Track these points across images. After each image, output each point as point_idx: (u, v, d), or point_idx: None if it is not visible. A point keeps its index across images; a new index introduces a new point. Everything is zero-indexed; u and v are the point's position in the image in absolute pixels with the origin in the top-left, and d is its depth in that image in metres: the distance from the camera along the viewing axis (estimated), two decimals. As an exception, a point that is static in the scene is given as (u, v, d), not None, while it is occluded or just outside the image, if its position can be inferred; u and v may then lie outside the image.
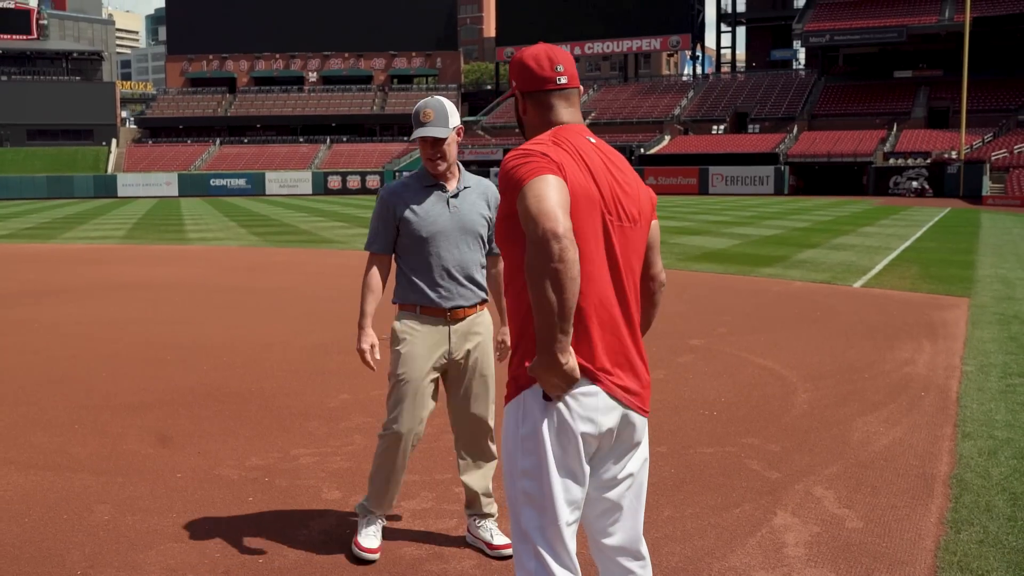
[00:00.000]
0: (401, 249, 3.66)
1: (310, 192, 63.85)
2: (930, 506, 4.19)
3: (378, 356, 3.66)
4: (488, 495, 3.81)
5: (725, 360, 7.44)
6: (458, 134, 3.60)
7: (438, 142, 3.54)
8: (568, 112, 2.36)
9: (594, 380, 2.21)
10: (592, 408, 2.21)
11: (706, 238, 20.37)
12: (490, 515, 3.82)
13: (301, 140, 76.14)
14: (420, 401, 3.63)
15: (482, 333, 3.72)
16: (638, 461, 2.37)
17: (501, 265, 3.81)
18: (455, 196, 3.63)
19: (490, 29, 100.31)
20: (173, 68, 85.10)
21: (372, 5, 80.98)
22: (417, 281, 3.61)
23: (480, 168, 58.81)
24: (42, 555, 3.71)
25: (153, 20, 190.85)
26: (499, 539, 3.73)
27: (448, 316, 3.62)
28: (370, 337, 3.64)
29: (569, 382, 2.14)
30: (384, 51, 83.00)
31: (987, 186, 47.71)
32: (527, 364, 2.18)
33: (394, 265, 3.74)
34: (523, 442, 2.22)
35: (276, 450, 5.10)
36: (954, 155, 50.71)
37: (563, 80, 2.35)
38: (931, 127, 58.74)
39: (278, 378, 6.88)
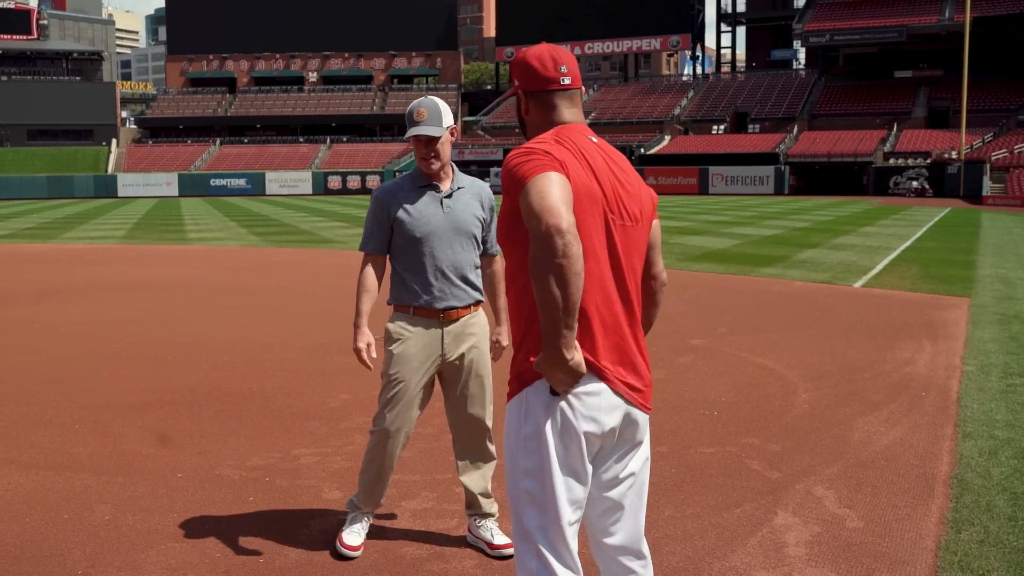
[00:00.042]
0: (395, 250, 3.66)
1: (310, 192, 63.85)
2: (931, 506, 4.19)
3: (374, 355, 3.67)
4: (487, 495, 3.81)
5: (725, 360, 7.44)
6: (452, 134, 3.61)
7: (432, 141, 3.55)
8: (571, 112, 2.37)
9: (600, 377, 2.21)
10: (595, 408, 2.21)
11: (706, 238, 20.37)
12: (491, 515, 3.82)
13: (301, 140, 76.13)
14: (410, 401, 3.64)
15: (477, 334, 3.71)
16: (640, 460, 2.37)
17: (496, 265, 3.82)
18: (448, 196, 3.63)
19: (490, 29, 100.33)
20: (173, 68, 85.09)
21: (372, 5, 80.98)
22: (410, 282, 3.62)
23: (480, 168, 58.85)
24: (43, 555, 3.71)
25: (153, 20, 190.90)
26: (500, 539, 3.73)
27: (441, 317, 3.62)
28: (366, 336, 3.65)
29: (575, 377, 2.14)
30: (384, 51, 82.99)
31: (987, 186, 47.72)
32: (532, 360, 2.18)
33: (389, 266, 3.75)
34: (526, 442, 2.22)
35: (277, 450, 5.10)
36: (954, 155, 50.72)
37: (567, 81, 2.36)
38: (931, 127, 58.76)
39: (279, 378, 6.88)
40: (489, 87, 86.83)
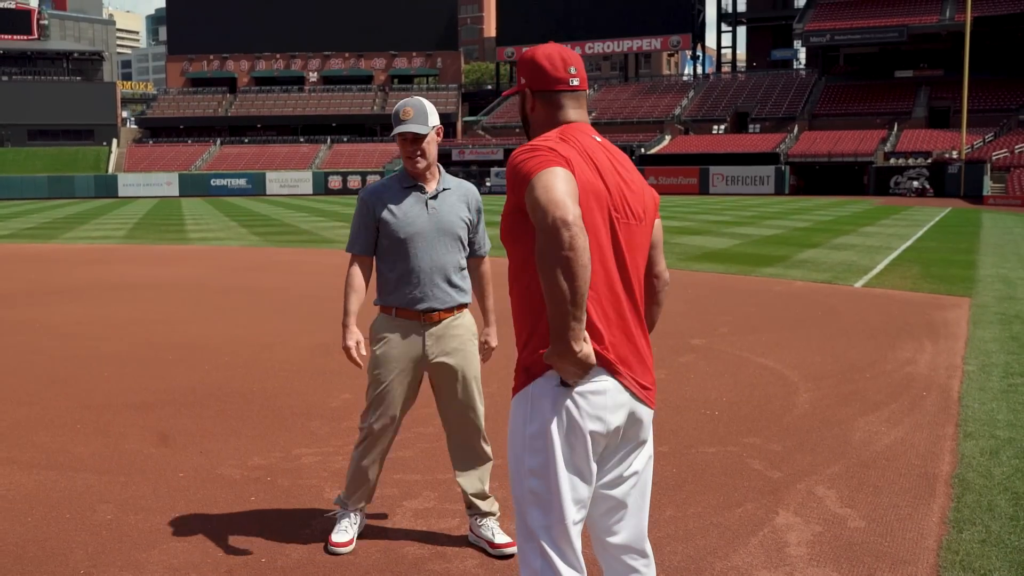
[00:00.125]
0: (380, 250, 3.66)
1: (311, 192, 63.87)
2: (932, 506, 4.19)
3: (364, 352, 3.69)
4: (484, 496, 3.80)
5: (726, 360, 7.44)
6: (438, 134, 3.63)
7: (418, 139, 3.56)
8: (576, 112, 2.38)
9: (609, 370, 2.22)
10: (601, 406, 2.21)
11: (707, 238, 20.37)
12: (491, 514, 3.82)
13: (301, 140, 76.16)
14: (392, 401, 3.67)
15: (461, 335, 3.69)
16: (643, 459, 2.38)
17: (485, 267, 3.83)
18: (434, 198, 3.64)
19: (490, 29, 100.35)
20: (173, 68, 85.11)
21: (372, 5, 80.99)
22: (393, 283, 3.63)
23: (480, 168, 58.89)
24: (45, 554, 3.71)
25: (153, 20, 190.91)
26: (501, 538, 3.73)
27: (422, 319, 3.62)
28: (355, 335, 3.66)
29: (585, 368, 2.14)
30: (384, 51, 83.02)
31: (988, 186, 47.71)
32: (541, 352, 2.18)
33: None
34: (531, 441, 2.22)
35: (278, 450, 5.10)
36: (955, 155, 50.72)
37: (576, 82, 2.38)
38: (932, 127, 58.77)
39: (279, 378, 6.89)
40: (489, 87, 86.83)
